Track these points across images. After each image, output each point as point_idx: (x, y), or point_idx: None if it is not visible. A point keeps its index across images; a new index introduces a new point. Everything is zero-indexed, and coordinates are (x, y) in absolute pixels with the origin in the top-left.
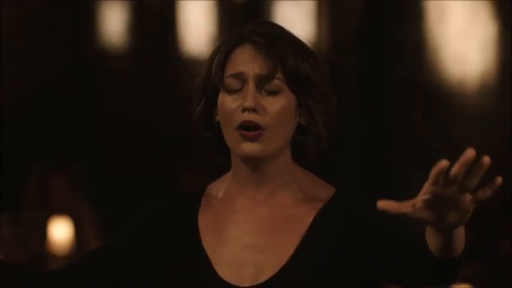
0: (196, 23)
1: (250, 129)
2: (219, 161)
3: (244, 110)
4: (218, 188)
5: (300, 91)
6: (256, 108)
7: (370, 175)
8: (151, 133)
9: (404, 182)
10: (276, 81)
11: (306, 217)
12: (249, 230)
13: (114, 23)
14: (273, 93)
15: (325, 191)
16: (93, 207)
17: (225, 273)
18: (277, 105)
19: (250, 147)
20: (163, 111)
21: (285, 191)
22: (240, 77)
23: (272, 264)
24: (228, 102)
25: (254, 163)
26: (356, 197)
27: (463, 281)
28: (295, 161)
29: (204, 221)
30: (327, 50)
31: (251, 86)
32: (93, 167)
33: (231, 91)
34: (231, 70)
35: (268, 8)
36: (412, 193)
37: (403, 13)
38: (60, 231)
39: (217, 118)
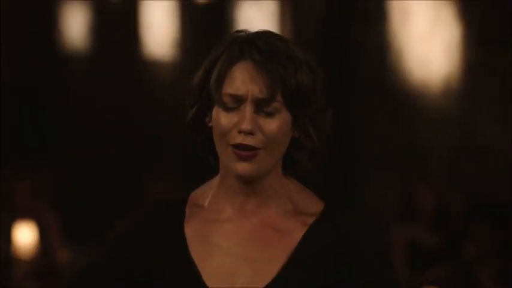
0: (159, 24)
1: (245, 149)
2: (208, 162)
3: (241, 132)
4: (203, 196)
5: (296, 109)
6: (254, 130)
7: (332, 176)
8: (114, 134)
9: (366, 182)
10: (275, 104)
11: (296, 231)
12: (239, 241)
13: (75, 24)
14: (271, 114)
15: (315, 205)
16: (57, 210)
17: (214, 283)
18: (274, 126)
19: (244, 168)
20: (126, 113)
21: (274, 202)
22: (239, 98)
23: (263, 276)
24: (223, 119)
25: (250, 180)
26: (346, 217)
27: (430, 283)
28: (285, 172)
29: (191, 231)
30: None
31: (249, 109)
32: (56, 170)
33: (227, 108)
34: (229, 88)
35: (231, 9)
36: (374, 193)
37: (366, 14)
38: (24, 235)
39: (210, 124)
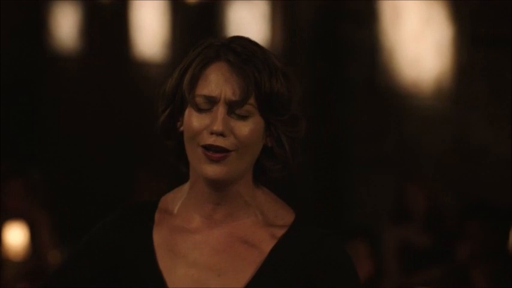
0: (149, 24)
1: (215, 151)
2: (178, 168)
3: (212, 133)
4: (173, 202)
5: (270, 115)
6: (225, 132)
7: (322, 176)
8: (105, 134)
9: (358, 183)
10: (248, 107)
11: (265, 244)
12: (206, 252)
13: (66, 24)
14: (243, 117)
15: (285, 217)
16: (47, 210)
17: None
18: (246, 129)
19: (213, 170)
20: (116, 113)
21: (244, 212)
22: (212, 100)
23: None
24: (195, 120)
25: (219, 185)
26: (315, 231)
27: (422, 284)
28: (255, 180)
29: (159, 239)
30: (280, 52)
31: (221, 110)
32: (47, 170)
33: (200, 110)
34: (202, 89)
35: (222, 9)
36: (365, 194)
37: (358, 14)
38: (15, 236)
39: (181, 128)
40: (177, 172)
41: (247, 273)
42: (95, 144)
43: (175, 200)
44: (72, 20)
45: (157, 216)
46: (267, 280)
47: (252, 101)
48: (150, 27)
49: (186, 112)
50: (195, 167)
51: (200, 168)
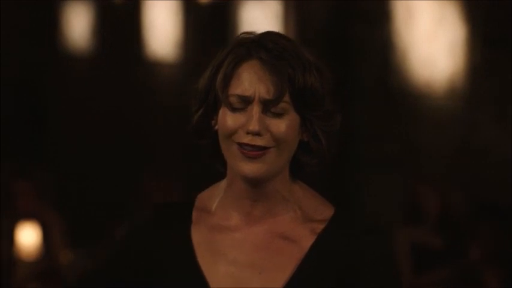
0: (162, 24)
1: (252, 149)
2: (215, 168)
3: (248, 133)
4: (211, 200)
5: (305, 111)
6: (262, 131)
7: (334, 177)
8: (116, 134)
9: (369, 183)
10: (283, 104)
11: (305, 239)
12: (246, 250)
13: (78, 24)
14: (279, 115)
15: (324, 211)
16: (59, 211)
17: None
18: (282, 127)
19: (250, 168)
20: (128, 113)
21: (282, 208)
22: (246, 99)
23: (271, 285)
24: (230, 119)
25: (257, 182)
26: (356, 225)
27: (434, 285)
28: (292, 176)
29: (198, 237)
30: None
31: (256, 109)
32: (59, 170)
33: (234, 109)
34: (236, 89)
35: (234, 9)
36: (376, 194)
37: (370, 14)
38: (27, 236)
39: (216, 127)
40: (187, 173)
41: (287, 269)
42: (106, 144)
43: (213, 198)
44: (85, 20)
45: (194, 214)
46: (308, 276)
47: (286, 98)
48: (162, 27)
49: (220, 111)
50: (232, 165)
51: (237, 167)
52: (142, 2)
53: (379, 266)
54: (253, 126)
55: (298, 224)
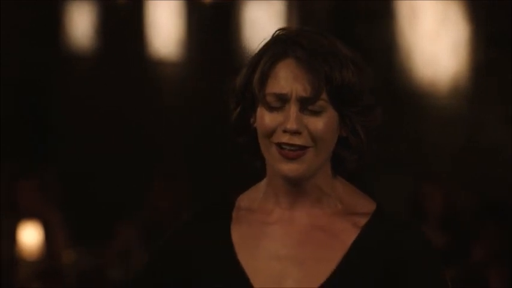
0: (165, 23)
1: (291, 149)
2: (255, 166)
3: (286, 131)
4: (251, 199)
5: (343, 107)
6: (300, 129)
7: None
8: (119, 133)
9: (373, 182)
10: (320, 102)
11: (348, 232)
12: (287, 242)
13: (81, 23)
14: (316, 113)
15: (366, 205)
16: (61, 210)
17: (262, 285)
18: (320, 125)
19: (290, 168)
20: (131, 112)
21: (324, 202)
22: (283, 97)
23: (313, 278)
24: (268, 119)
25: (293, 181)
26: (399, 221)
27: None
28: (335, 173)
29: (238, 235)
30: None
31: (294, 108)
32: (61, 169)
33: (271, 108)
34: (272, 88)
35: (238, 9)
36: (380, 193)
37: (374, 14)
38: (30, 236)
39: (255, 125)
40: (190, 173)
41: (330, 263)
42: (109, 143)
43: (253, 197)
44: (88, 19)
45: (234, 214)
46: (352, 269)
47: (324, 95)
48: (165, 26)
49: (258, 110)
50: (272, 165)
51: (277, 167)
52: (146, 2)
53: (425, 260)
54: (291, 124)
55: (339, 217)
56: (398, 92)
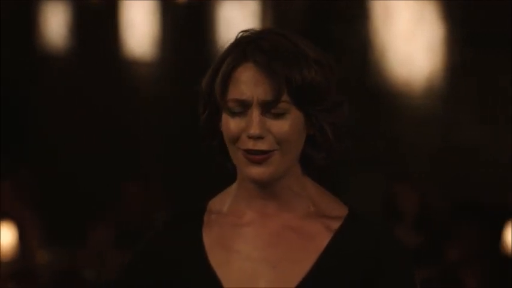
0: (139, 23)
1: (256, 153)
2: (226, 168)
3: (250, 137)
4: (222, 202)
5: (308, 107)
6: (263, 134)
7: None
8: (93, 133)
9: (348, 182)
10: (282, 104)
11: (321, 235)
12: (259, 244)
13: (55, 23)
14: (280, 115)
15: (338, 209)
16: (36, 211)
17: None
18: (285, 127)
19: (257, 172)
20: (106, 112)
21: (296, 203)
22: (244, 103)
23: (286, 280)
24: (231, 125)
25: (266, 183)
26: (372, 225)
27: None
28: (305, 173)
29: (209, 238)
30: None
31: (256, 113)
32: (35, 170)
33: (234, 114)
34: (234, 93)
35: (212, 8)
36: (355, 193)
37: (348, 13)
38: (4, 237)
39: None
40: (164, 172)
41: (303, 265)
42: (84, 143)
43: (224, 200)
44: (62, 18)
45: (206, 218)
46: (326, 273)
47: (285, 97)
48: (140, 26)
49: (223, 117)
50: (240, 170)
51: (244, 171)
52: (120, 2)
53: (398, 264)
54: (254, 129)
55: (311, 219)
56: (373, 91)
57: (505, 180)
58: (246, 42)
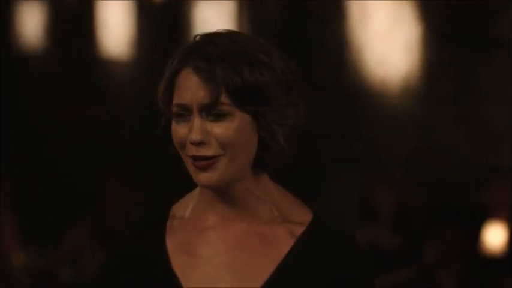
0: (115, 23)
1: (201, 159)
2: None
3: (191, 143)
4: (184, 207)
5: (251, 108)
6: (204, 139)
7: (294, 177)
8: (70, 133)
9: (326, 182)
10: (223, 106)
11: (283, 240)
12: (221, 248)
13: (31, 23)
14: (222, 118)
15: (302, 214)
16: (12, 211)
17: None
18: (228, 130)
19: (205, 178)
20: (82, 111)
21: (258, 208)
22: (185, 107)
23: (247, 284)
24: (177, 130)
25: (218, 188)
26: (336, 231)
27: (391, 285)
28: (263, 175)
29: (172, 244)
30: None
31: (197, 118)
32: (11, 171)
33: (179, 119)
34: (176, 99)
35: (188, 8)
36: (333, 193)
37: (325, 13)
38: None
39: None
40: (139, 172)
41: (265, 270)
42: (61, 143)
43: (187, 205)
44: (38, 18)
45: (169, 224)
46: (286, 278)
47: (225, 99)
48: (115, 26)
49: (172, 122)
50: (192, 176)
51: (193, 177)
52: (96, 1)
53: (361, 271)
54: (195, 135)
55: (275, 224)
56: (350, 91)
57: (480, 181)
58: (187, 48)
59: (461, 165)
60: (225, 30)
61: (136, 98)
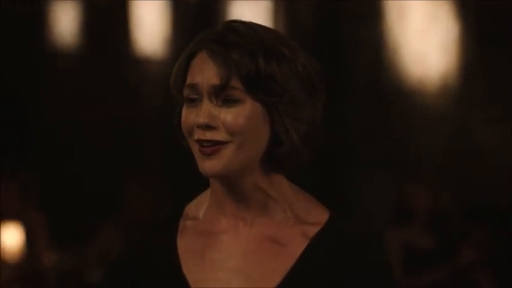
0: (150, 22)
1: (206, 145)
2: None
3: (198, 127)
4: (197, 208)
5: (264, 98)
6: (212, 123)
7: (324, 176)
8: (103, 134)
9: (360, 182)
10: (233, 91)
11: (297, 243)
12: (234, 253)
13: (66, 22)
14: (232, 104)
15: (318, 214)
16: (43, 212)
17: None
18: (238, 117)
19: (209, 165)
20: (115, 111)
21: (271, 208)
22: (195, 88)
23: None
24: (186, 114)
25: (224, 180)
26: (352, 229)
27: (426, 286)
28: (277, 174)
29: (184, 246)
30: None
31: (206, 101)
32: (42, 171)
33: (189, 102)
34: (187, 80)
35: (224, 7)
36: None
37: (362, 12)
38: (10, 238)
39: None
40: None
41: (277, 274)
42: (92, 143)
43: (200, 205)
44: (72, 17)
45: (181, 223)
46: (298, 282)
47: (236, 84)
48: (150, 24)
49: (183, 109)
50: (198, 166)
51: (199, 166)
52: (130, 0)
53: (375, 275)
54: (202, 118)
55: (289, 226)
56: (386, 90)
57: None
58: (209, 32)
59: (497, 165)
60: (246, 21)
61: (169, 97)
